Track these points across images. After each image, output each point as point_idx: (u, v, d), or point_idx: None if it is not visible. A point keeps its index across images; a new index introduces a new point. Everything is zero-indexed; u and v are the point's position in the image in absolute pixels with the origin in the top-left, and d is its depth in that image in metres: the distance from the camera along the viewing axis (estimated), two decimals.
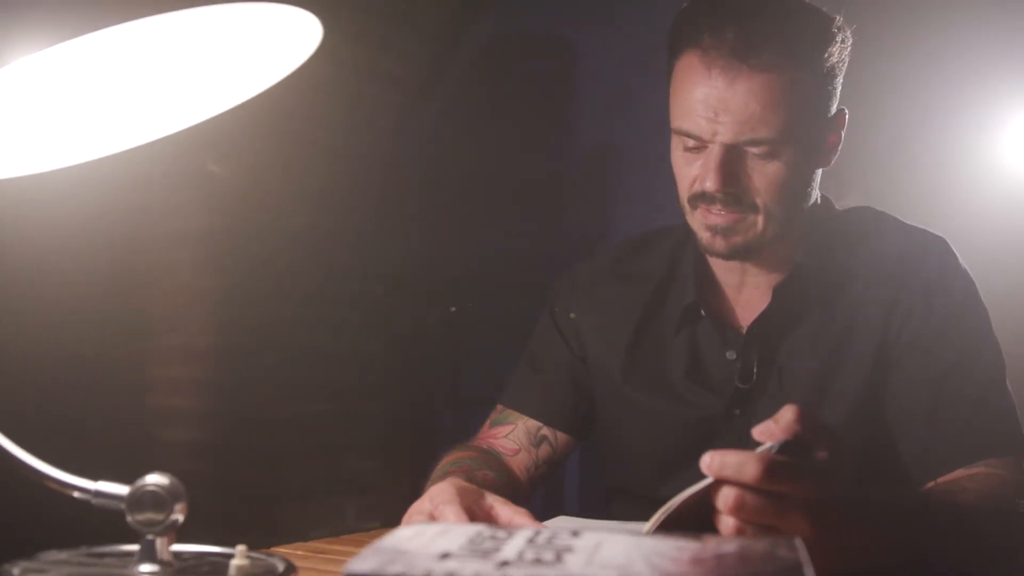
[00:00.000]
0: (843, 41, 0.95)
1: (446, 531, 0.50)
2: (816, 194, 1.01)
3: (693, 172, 0.94)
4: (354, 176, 2.41)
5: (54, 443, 0.71)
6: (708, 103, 0.90)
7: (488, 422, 1.10)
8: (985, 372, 0.95)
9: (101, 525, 0.66)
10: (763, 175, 0.92)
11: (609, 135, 2.66)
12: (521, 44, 2.77)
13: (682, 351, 1.02)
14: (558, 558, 0.44)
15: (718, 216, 0.93)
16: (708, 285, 1.03)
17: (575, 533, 0.49)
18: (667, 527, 0.62)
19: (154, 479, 0.58)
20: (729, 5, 0.93)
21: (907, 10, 2.23)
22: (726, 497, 0.60)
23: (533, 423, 1.07)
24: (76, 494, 0.59)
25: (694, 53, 0.92)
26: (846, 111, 0.98)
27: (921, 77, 2.27)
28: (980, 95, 2.27)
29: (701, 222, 0.95)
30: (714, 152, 0.91)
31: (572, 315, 1.10)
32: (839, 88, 0.97)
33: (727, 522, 0.60)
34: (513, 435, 1.06)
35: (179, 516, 0.58)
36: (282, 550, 0.82)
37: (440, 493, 0.77)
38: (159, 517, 0.57)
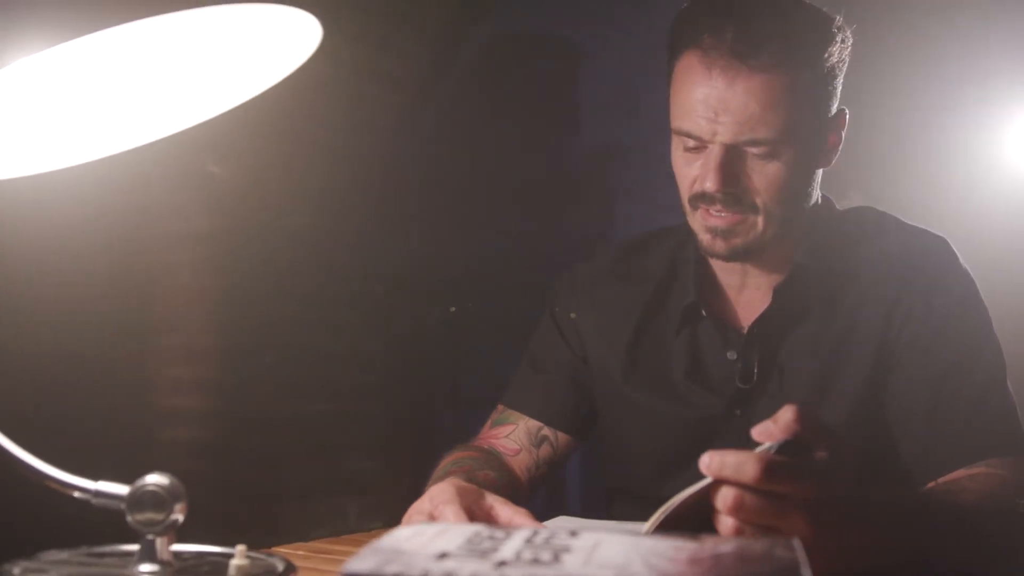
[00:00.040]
0: (843, 41, 0.95)
1: (444, 531, 0.50)
2: (817, 194, 1.01)
3: (693, 172, 0.94)
4: (354, 176, 2.41)
5: (54, 443, 0.71)
6: (708, 103, 0.90)
7: (489, 422, 1.10)
8: (986, 372, 0.95)
9: (101, 525, 0.66)
10: (763, 175, 0.92)
11: (611, 135, 2.66)
12: (523, 44, 2.77)
13: (683, 351, 1.02)
14: (556, 558, 0.45)
15: (718, 217, 0.94)
16: (709, 285, 1.03)
17: (573, 533, 0.49)
18: (666, 527, 0.62)
19: (154, 479, 0.58)
20: (729, 5, 0.93)
21: (908, 10, 2.23)
22: (725, 497, 0.60)
23: (534, 423, 1.07)
24: (76, 494, 0.59)
25: (694, 53, 0.92)
26: (846, 111, 0.98)
27: (922, 77, 2.27)
28: (981, 95, 2.27)
29: (701, 224, 0.95)
30: (714, 152, 0.91)
31: (572, 315, 1.10)
32: (839, 88, 0.97)
33: (726, 522, 0.60)
34: (514, 435, 1.06)
35: (179, 516, 0.58)
36: (282, 550, 0.82)
37: (440, 493, 0.77)
38: (159, 517, 0.57)
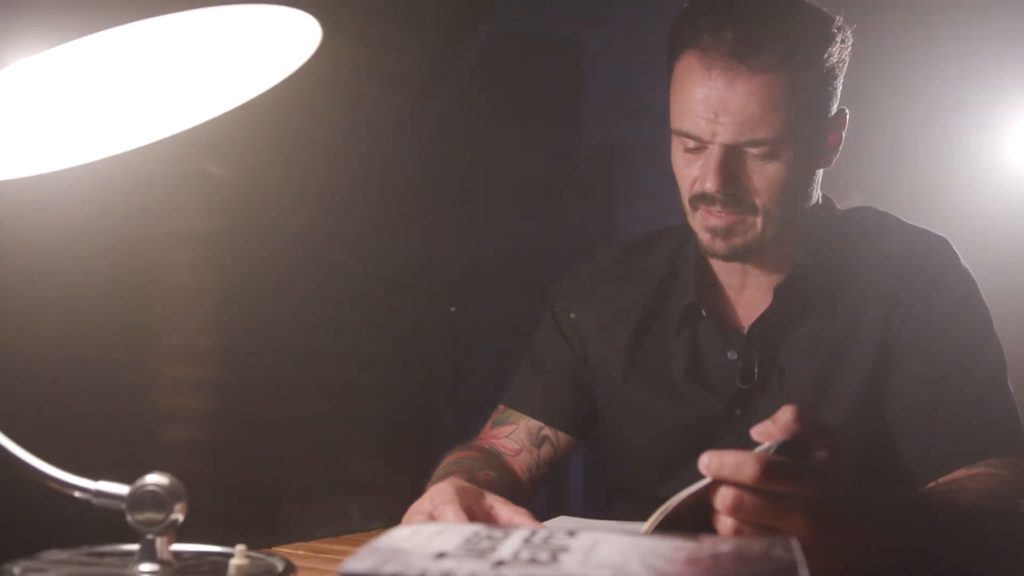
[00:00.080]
0: (843, 41, 0.95)
1: (443, 531, 0.50)
2: (817, 194, 1.01)
3: (693, 173, 0.94)
4: (354, 176, 2.41)
5: (55, 443, 0.71)
6: (708, 104, 0.90)
7: (490, 422, 1.10)
8: (986, 372, 0.95)
9: (101, 525, 0.66)
10: (763, 176, 0.92)
11: (613, 135, 2.66)
12: (524, 44, 2.77)
13: (683, 351, 1.02)
14: (554, 558, 0.45)
15: (718, 217, 0.94)
16: (709, 285, 1.03)
17: (571, 533, 0.49)
18: (665, 527, 0.63)
19: (154, 479, 0.58)
20: (729, 6, 0.93)
21: (909, 10, 2.23)
22: (724, 497, 0.60)
23: (535, 423, 1.07)
24: (77, 494, 0.59)
25: (694, 54, 0.92)
26: (847, 111, 0.98)
27: (923, 77, 2.27)
28: (982, 95, 2.27)
29: (701, 223, 0.95)
30: (714, 153, 0.91)
31: (572, 315, 1.10)
32: (840, 88, 0.97)
33: (725, 522, 0.60)
34: (514, 435, 1.06)
35: (179, 516, 0.58)
36: (283, 550, 0.82)
37: (440, 493, 0.77)
38: (159, 517, 0.58)
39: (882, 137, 2.19)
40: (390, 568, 0.42)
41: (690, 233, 1.00)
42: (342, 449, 2.41)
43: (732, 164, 0.91)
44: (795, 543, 0.49)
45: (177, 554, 0.60)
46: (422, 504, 0.78)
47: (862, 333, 0.97)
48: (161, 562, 0.58)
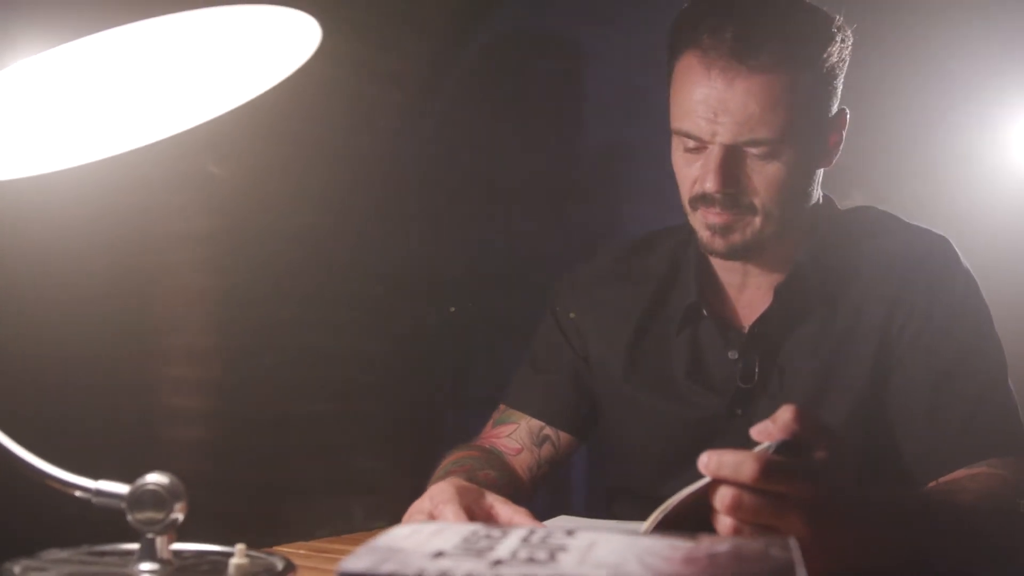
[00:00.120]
0: (843, 41, 0.95)
1: (441, 530, 0.50)
2: (818, 194, 1.01)
3: (693, 173, 0.94)
4: (354, 176, 2.41)
5: (55, 442, 0.71)
6: (707, 104, 0.90)
7: (491, 422, 1.10)
8: (987, 371, 0.95)
9: (102, 524, 0.67)
10: (763, 176, 0.92)
11: (616, 135, 2.66)
12: (525, 44, 2.77)
13: (684, 351, 1.02)
14: (551, 557, 0.45)
15: (717, 217, 0.94)
16: (710, 285, 1.03)
17: (570, 532, 0.50)
18: (665, 527, 0.63)
19: (154, 478, 0.58)
20: (728, 6, 0.93)
21: (910, 10, 2.23)
22: (723, 497, 0.60)
23: (535, 423, 1.07)
24: (77, 493, 0.60)
25: (693, 54, 0.92)
26: (847, 111, 0.98)
27: (924, 76, 2.26)
28: (983, 94, 2.26)
29: (702, 222, 0.96)
30: (714, 153, 0.91)
31: (572, 315, 1.10)
32: (840, 88, 0.97)
33: (725, 522, 0.61)
34: (515, 435, 1.06)
35: (179, 515, 0.58)
36: (284, 549, 0.82)
37: (440, 492, 0.77)
38: (159, 516, 0.58)
39: (883, 137, 2.19)
40: (388, 567, 0.42)
41: (691, 233, 1.00)
42: (343, 449, 2.41)
43: (732, 164, 0.91)
44: (793, 543, 0.49)
45: (177, 553, 0.61)
46: (422, 503, 0.78)
47: (863, 333, 0.97)
48: (161, 561, 0.58)
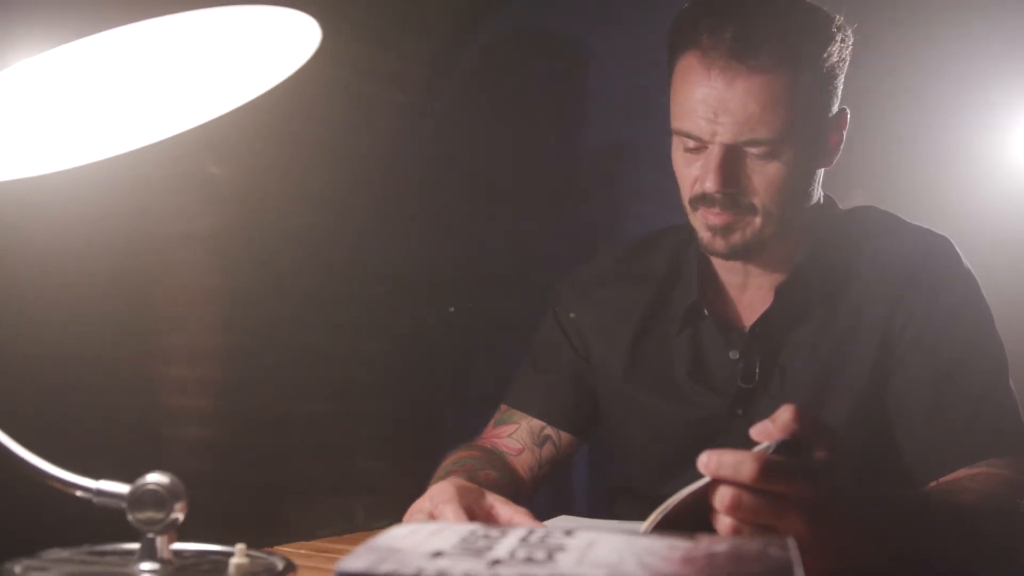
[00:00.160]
0: (843, 40, 0.95)
1: (440, 530, 0.50)
2: (819, 194, 1.01)
3: (693, 173, 0.94)
4: (355, 176, 2.41)
5: (56, 442, 0.71)
6: (707, 104, 0.90)
7: (492, 422, 1.10)
8: (988, 371, 0.95)
9: (103, 524, 0.67)
10: (763, 175, 0.92)
11: (619, 134, 2.66)
12: (527, 44, 2.77)
13: (685, 351, 1.02)
14: (550, 557, 0.45)
15: (718, 217, 0.94)
16: (711, 285, 1.03)
17: (568, 532, 0.50)
18: (665, 527, 0.63)
19: (154, 478, 0.59)
20: (728, 6, 0.93)
21: (911, 9, 2.23)
22: (723, 496, 0.60)
23: (537, 423, 1.07)
24: (78, 493, 0.60)
25: (693, 54, 0.92)
26: (847, 111, 0.98)
27: (926, 76, 2.26)
28: (985, 95, 2.26)
29: (702, 222, 0.96)
30: (714, 153, 0.91)
31: (572, 315, 1.10)
32: (840, 87, 0.97)
33: (724, 521, 0.61)
34: (517, 435, 1.06)
35: (179, 515, 0.58)
36: (285, 549, 0.82)
37: (440, 492, 0.77)
38: (159, 516, 0.58)
39: (884, 137, 2.18)
40: (386, 567, 0.42)
41: (692, 233, 1.00)
42: (344, 449, 2.41)
43: (732, 164, 0.91)
44: (791, 543, 0.49)
45: (177, 553, 0.61)
46: (422, 503, 0.78)
47: (863, 333, 0.97)
48: (161, 561, 0.58)
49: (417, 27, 2.41)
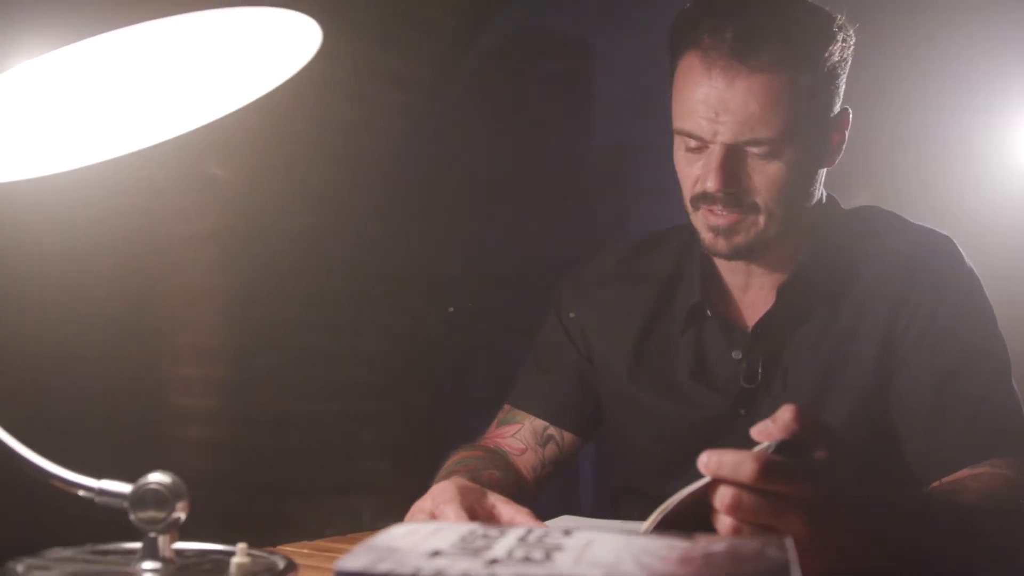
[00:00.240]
0: (845, 40, 0.95)
1: (439, 529, 0.50)
2: (821, 193, 1.01)
3: (695, 172, 0.94)
4: (357, 176, 2.42)
5: (58, 442, 0.72)
6: (708, 103, 0.90)
7: (495, 422, 1.10)
8: (991, 371, 0.94)
9: (105, 523, 0.67)
10: (764, 175, 0.92)
11: (621, 135, 2.66)
12: (530, 44, 2.77)
13: (688, 351, 1.02)
14: (547, 556, 0.45)
15: (720, 217, 0.94)
16: (714, 285, 1.03)
17: (567, 532, 0.50)
18: (665, 526, 0.63)
19: (156, 478, 0.59)
20: (729, 5, 0.93)
21: (915, 9, 2.22)
22: (723, 496, 0.60)
23: (540, 423, 1.07)
24: (80, 492, 0.60)
25: (694, 54, 0.92)
26: (849, 110, 0.98)
27: (929, 76, 2.26)
28: (988, 94, 2.26)
29: (704, 223, 0.95)
30: (715, 152, 0.91)
31: (572, 315, 1.10)
32: (842, 87, 0.96)
33: (724, 521, 0.61)
34: (520, 434, 1.06)
35: (181, 514, 0.59)
36: (287, 548, 0.82)
37: (441, 492, 0.77)
38: (161, 515, 0.58)
39: (887, 136, 2.18)
40: (384, 566, 0.42)
41: (694, 233, 1.00)
42: (347, 448, 2.42)
43: (733, 163, 0.91)
44: (789, 543, 0.49)
45: (179, 552, 0.61)
46: (424, 503, 0.78)
47: (866, 332, 0.97)
48: (163, 560, 0.59)
49: (418, 27, 2.41)
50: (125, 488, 0.59)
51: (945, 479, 0.89)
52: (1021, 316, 1.32)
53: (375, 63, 2.36)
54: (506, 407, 1.10)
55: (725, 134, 0.91)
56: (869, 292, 0.98)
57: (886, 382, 0.96)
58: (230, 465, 2.18)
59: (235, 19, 0.61)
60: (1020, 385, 0.96)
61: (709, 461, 0.60)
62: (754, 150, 0.91)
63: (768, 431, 0.64)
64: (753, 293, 1.01)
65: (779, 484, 0.60)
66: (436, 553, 0.44)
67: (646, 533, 0.61)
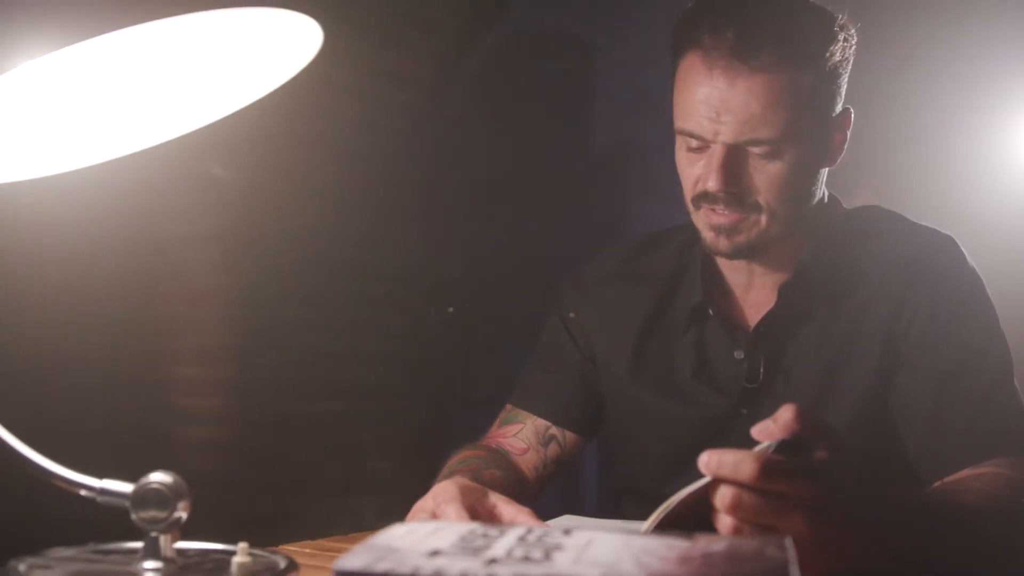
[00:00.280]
0: (846, 40, 0.95)
1: (439, 529, 0.50)
2: (823, 193, 1.01)
3: (696, 172, 0.94)
4: (359, 177, 2.42)
5: (60, 442, 0.72)
6: (710, 103, 0.90)
7: (497, 421, 1.10)
8: (993, 371, 0.94)
9: (106, 523, 0.67)
10: (765, 175, 0.92)
11: (624, 134, 2.66)
12: (532, 44, 2.77)
13: (690, 351, 1.02)
14: (547, 556, 0.45)
15: (721, 216, 0.94)
16: (716, 285, 1.03)
17: (567, 531, 0.50)
18: (666, 526, 0.63)
19: (158, 477, 0.59)
20: (730, 6, 0.93)
21: (917, 8, 2.22)
22: (723, 496, 0.60)
23: (542, 422, 1.07)
24: (82, 492, 0.60)
25: (696, 54, 0.92)
26: (851, 110, 0.98)
27: (932, 76, 2.26)
28: (990, 94, 2.26)
29: (705, 222, 0.95)
30: (716, 152, 0.91)
31: (572, 314, 1.10)
32: (844, 87, 0.96)
33: (725, 521, 0.61)
34: (522, 434, 1.07)
35: (182, 514, 0.59)
36: (288, 548, 0.82)
37: (443, 492, 0.77)
38: (162, 515, 0.58)
39: (889, 136, 2.18)
40: (383, 566, 0.42)
41: (696, 232, 1.00)
42: (349, 448, 2.42)
43: (734, 163, 0.91)
44: (788, 542, 0.49)
45: (181, 551, 0.61)
46: (425, 503, 0.79)
47: (868, 332, 0.97)
48: (165, 559, 0.59)
49: (419, 27, 2.41)
50: (127, 488, 0.59)
51: (947, 479, 0.89)
52: (1023, 316, 1.31)
53: (375, 63, 2.36)
54: (508, 407, 1.10)
55: (726, 134, 0.91)
56: (871, 292, 0.98)
57: (888, 382, 0.96)
58: (232, 465, 2.19)
59: (236, 20, 0.61)
60: (1022, 385, 0.96)
61: (709, 461, 0.60)
62: (755, 150, 0.91)
63: (769, 431, 0.64)
64: (755, 293, 1.01)
65: (779, 484, 0.60)
66: (435, 552, 0.45)
67: (646, 533, 0.61)
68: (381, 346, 2.51)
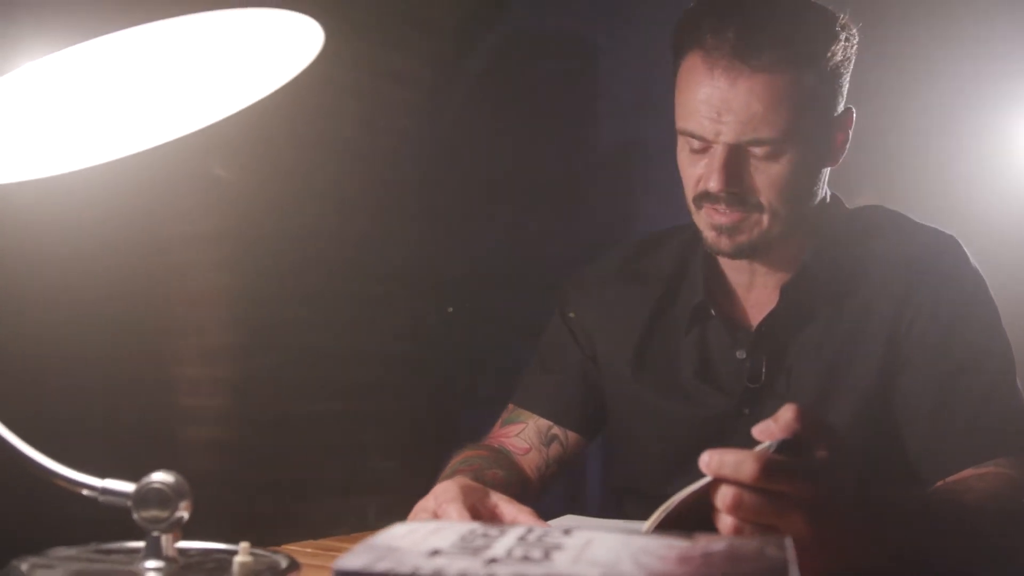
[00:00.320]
0: (848, 39, 0.95)
1: (439, 528, 0.50)
2: (825, 193, 1.01)
3: (698, 172, 0.94)
4: (360, 177, 2.42)
5: (62, 442, 0.72)
6: (711, 103, 0.90)
7: (499, 421, 1.10)
8: (995, 371, 0.94)
9: (108, 522, 0.67)
10: (766, 175, 0.92)
11: (630, 133, 2.65)
12: (535, 43, 2.77)
13: (692, 351, 1.02)
14: (546, 556, 0.45)
15: (723, 216, 0.94)
16: (718, 285, 1.03)
17: (567, 531, 0.50)
18: (667, 526, 0.63)
19: (159, 477, 0.59)
20: (731, 5, 0.93)
21: (919, 8, 2.22)
22: (724, 496, 0.60)
23: (544, 422, 1.07)
24: (84, 492, 0.60)
25: (697, 54, 0.92)
26: (853, 110, 0.98)
27: (935, 75, 2.25)
28: (993, 94, 2.25)
29: (707, 221, 0.95)
30: (717, 152, 0.91)
31: (572, 314, 1.10)
32: (845, 87, 0.96)
33: (726, 520, 0.61)
34: (524, 434, 1.07)
35: (184, 513, 0.59)
36: (290, 548, 0.82)
37: (444, 492, 0.77)
38: (164, 514, 0.58)
39: (892, 136, 2.18)
40: (383, 566, 0.42)
41: (697, 232, 1.00)
42: (350, 448, 2.42)
43: (735, 163, 0.91)
44: (788, 542, 0.49)
45: (182, 551, 0.61)
46: (426, 502, 0.79)
47: (870, 332, 0.96)
48: (166, 559, 0.59)
49: (419, 27, 2.42)
50: (128, 487, 0.59)
51: (949, 479, 0.89)
52: None
53: (376, 63, 2.36)
54: (510, 407, 1.10)
55: (728, 134, 0.91)
56: (873, 292, 0.98)
57: (890, 382, 0.96)
58: (233, 464, 2.19)
59: (238, 20, 0.61)
60: None
61: (710, 460, 0.60)
62: (757, 150, 0.91)
63: (769, 430, 0.64)
64: (757, 292, 1.01)
65: (780, 483, 0.60)
66: (435, 552, 0.45)
67: (647, 533, 0.61)
68: (381, 346, 2.51)
